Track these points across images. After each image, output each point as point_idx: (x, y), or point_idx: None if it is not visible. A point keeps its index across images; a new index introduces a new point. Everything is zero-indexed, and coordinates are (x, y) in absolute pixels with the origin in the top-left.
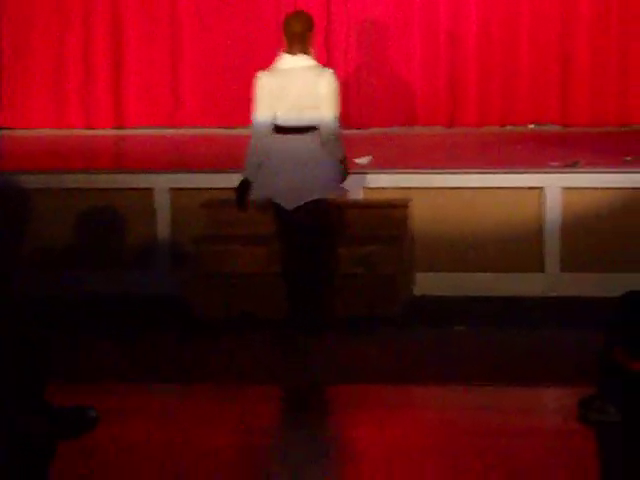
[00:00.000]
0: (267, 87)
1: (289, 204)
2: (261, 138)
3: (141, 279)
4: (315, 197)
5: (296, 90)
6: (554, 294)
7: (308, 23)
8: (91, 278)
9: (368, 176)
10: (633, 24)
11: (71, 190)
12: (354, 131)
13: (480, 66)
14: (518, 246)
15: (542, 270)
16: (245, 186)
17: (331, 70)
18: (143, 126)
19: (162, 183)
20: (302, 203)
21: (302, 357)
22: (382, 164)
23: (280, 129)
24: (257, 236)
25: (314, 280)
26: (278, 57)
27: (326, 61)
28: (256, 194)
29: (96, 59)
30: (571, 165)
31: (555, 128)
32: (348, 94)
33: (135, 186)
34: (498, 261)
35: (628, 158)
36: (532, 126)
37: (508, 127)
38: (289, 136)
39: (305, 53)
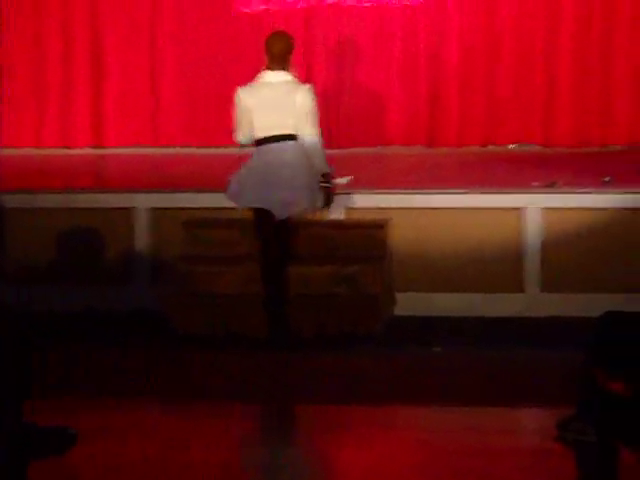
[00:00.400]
0: (245, 102)
1: (280, 214)
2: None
3: (121, 296)
4: (300, 209)
5: (274, 103)
6: (534, 314)
7: (288, 43)
8: (71, 294)
9: (349, 196)
10: (615, 47)
11: (52, 210)
12: (334, 151)
13: (461, 86)
14: (498, 266)
15: (522, 290)
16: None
17: (309, 85)
18: (123, 145)
19: (142, 203)
20: (289, 214)
21: (283, 375)
22: (363, 184)
23: (260, 141)
24: (236, 256)
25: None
26: (259, 73)
27: (306, 80)
28: (245, 203)
29: (76, 78)
30: (549, 185)
31: (537, 148)
32: (328, 114)
33: (115, 205)
34: (478, 281)
35: (607, 179)
36: (513, 146)
37: (489, 147)
38: (271, 145)
39: (285, 71)
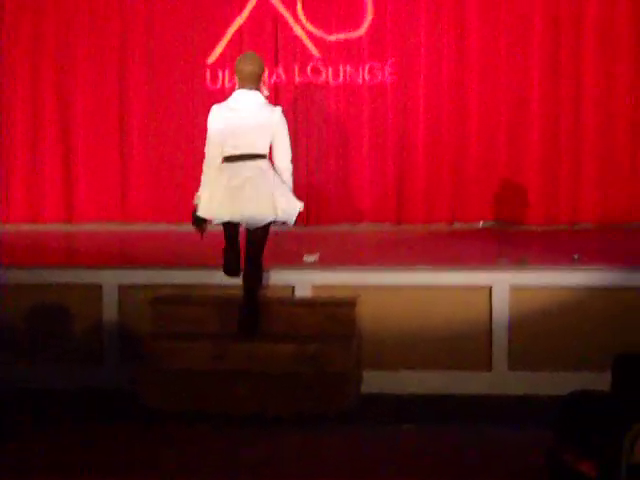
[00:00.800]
0: (218, 120)
1: (250, 225)
2: (212, 169)
3: (90, 374)
4: (269, 220)
5: (246, 123)
6: (502, 392)
7: (259, 64)
8: (40, 372)
9: (316, 274)
10: (583, 125)
11: (19, 286)
12: (303, 228)
13: (429, 163)
14: (466, 344)
15: (490, 369)
16: (199, 217)
17: (280, 107)
18: (92, 221)
19: (110, 279)
20: (259, 224)
21: (249, 453)
22: (330, 261)
23: (231, 158)
24: (203, 333)
25: (256, 277)
26: (233, 93)
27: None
28: (217, 216)
29: (44, 154)
30: (519, 263)
31: (505, 226)
32: (297, 192)
33: (84, 282)
34: (446, 359)
35: (576, 256)
36: (481, 223)
37: (457, 225)
38: (240, 163)
39: (257, 91)
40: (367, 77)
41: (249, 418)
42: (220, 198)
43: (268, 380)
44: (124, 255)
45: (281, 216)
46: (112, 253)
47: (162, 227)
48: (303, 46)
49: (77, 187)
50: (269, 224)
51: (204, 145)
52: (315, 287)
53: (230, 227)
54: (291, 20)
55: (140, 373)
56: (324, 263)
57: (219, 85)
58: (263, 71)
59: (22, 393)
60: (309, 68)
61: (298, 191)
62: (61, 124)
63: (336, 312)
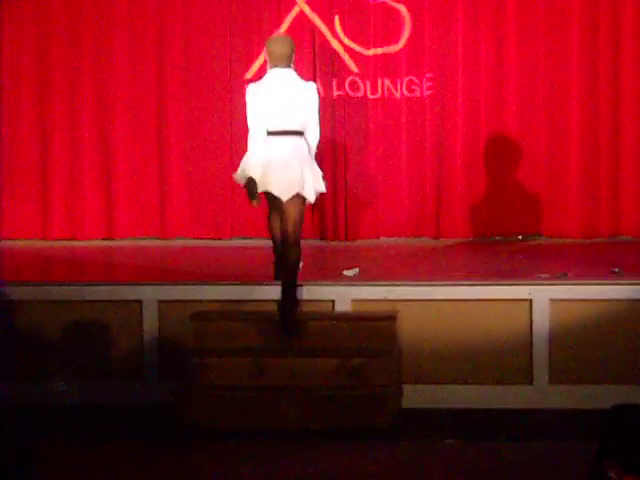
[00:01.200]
0: (256, 97)
1: (284, 196)
2: (258, 140)
3: (130, 390)
4: (305, 192)
5: (283, 99)
6: (543, 406)
7: (291, 44)
8: (80, 390)
9: (356, 288)
10: (622, 139)
11: (60, 302)
12: (342, 243)
13: (467, 177)
14: (506, 358)
15: (531, 382)
16: (253, 182)
17: (314, 83)
18: (132, 237)
19: (150, 295)
20: (293, 195)
21: (293, 470)
22: (369, 276)
23: (271, 133)
24: (243, 349)
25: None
26: (267, 71)
27: None
28: (260, 188)
29: (83, 171)
30: (559, 277)
31: (544, 240)
32: (335, 205)
33: (124, 298)
34: (486, 373)
35: (616, 270)
36: (520, 237)
37: (496, 238)
38: (278, 138)
39: (290, 69)
40: (405, 91)
41: (291, 433)
42: (261, 170)
43: (309, 395)
44: (164, 271)
45: (305, 192)
46: (152, 269)
47: (201, 242)
48: (341, 61)
49: (117, 203)
50: (303, 200)
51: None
52: (355, 301)
53: (272, 202)
54: (329, 35)
55: (181, 390)
56: (364, 277)
57: None
58: (294, 52)
59: (62, 410)
60: (347, 82)
61: (337, 206)
62: (100, 141)
63: (376, 326)
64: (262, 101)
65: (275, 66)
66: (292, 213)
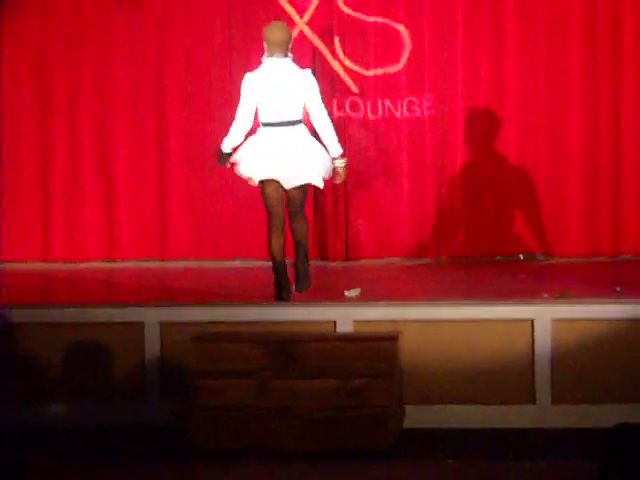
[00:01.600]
0: (251, 87)
1: (289, 185)
2: (242, 127)
3: (132, 411)
4: (308, 181)
5: (281, 88)
6: (545, 426)
7: (288, 32)
8: (83, 411)
9: (357, 309)
10: (623, 157)
11: (61, 324)
12: (343, 263)
13: (467, 198)
14: (508, 378)
15: (533, 402)
16: (223, 154)
17: (309, 69)
18: (133, 259)
19: (152, 317)
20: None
21: None
22: (371, 296)
23: (269, 124)
24: (245, 370)
25: (303, 229)
26: (263, 60)
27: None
28: (262, 175)
29: (84, 192)
30: (561, 296)
31: (545, 259)
32: (337, 226)
33: (125, 320)
34: (488, 393)
35: (618, 289)
36: (522, 256)
37: (497, 257)
38: (279, 128)
39: (286, 57)
40: (406, 111)
41: (291, 454)
42: (261, 159)
43: (310, 416)
44: (165, 292)
45: (312, 180)
46: (153, 290)
47: (202, 263)
48: (341, 81)
49: (117, 224)
50: (306, 185)
51: (243, 182)
52: (357, 322)
53: (270, 186)
54: (329, 55)
55: (182, 410)
56: (365, 298)
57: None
58: (291, 39)
59: (64, 432)
60: (348, 103)
61: (338, 226)
62: (100, 162)
63: (378, 347)
64: (258, 92)
65: (272, 55)
66: (297, 196)
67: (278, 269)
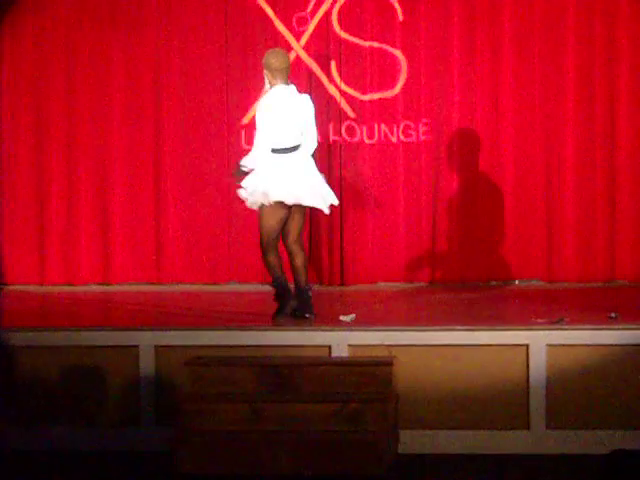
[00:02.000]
0: (266, 115)
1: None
2: (262, 156)
3: (126, 436)
4: (317, 203)
5: (287, 116)
6: (540, 452)
7: (287, 59)
8: (76, 435)
9: (352, 334)
10: (618, 183)
11: (56, 348)
12: (338, 288)
13: (462, 222)
14: (503, 403)
15: (528, 427)
16: (241, 170)
17: (308, 95)
18: (128, 282)
19: (147, 340)
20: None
21: None
22: (366, 321)
23: (279, 150)
24: (240, 394)
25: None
26: (268, 91)
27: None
28: (280, 196)
29: (80, 216)
30: (556, 322)
31: (541, 284)
32: (331, 250)
33: (120, 343)
34: (483, 419)
35: (612, 315)
36: (517, 282)
37: (492, 282)
38: (288, 154)
39: (286, 84)
40: (402, 136)
41: (286, 479)
42: (292, 182)
43: (304, 441)
44: (160, 316)
45: (316, 203)
46: (148, 314)
47: (198, 287)
48: (337, 106)
49: (113, 248)
50: (304, 208)
51: (240, 204)
52: (352, 347)
53: (284, 210)
54: (325, 80)
55: (177, 435)
56: (360, 323)
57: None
58: (290, 64)
59: (58, 456)
60: (344, 127)
61: (333, 251)
62: (97, 187)
63: (373, 372)
64: (271, 119)
65: (276, 81)
66: (300, 220)
67: (281, 282)
